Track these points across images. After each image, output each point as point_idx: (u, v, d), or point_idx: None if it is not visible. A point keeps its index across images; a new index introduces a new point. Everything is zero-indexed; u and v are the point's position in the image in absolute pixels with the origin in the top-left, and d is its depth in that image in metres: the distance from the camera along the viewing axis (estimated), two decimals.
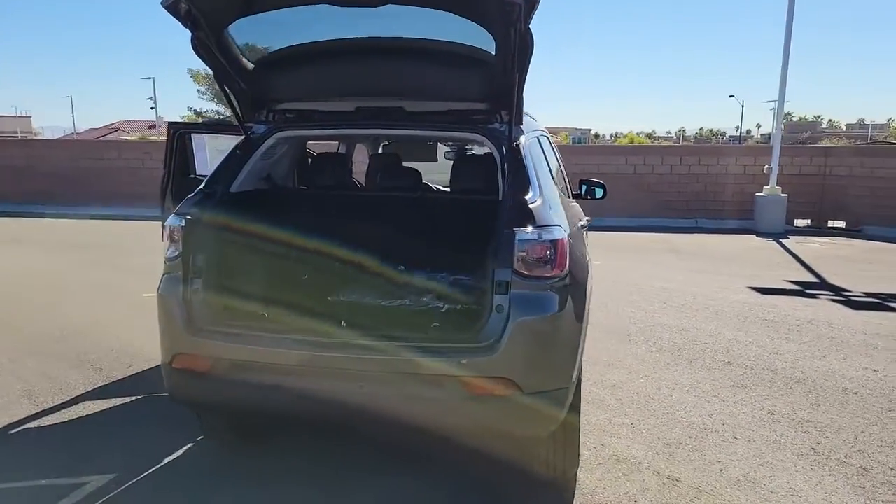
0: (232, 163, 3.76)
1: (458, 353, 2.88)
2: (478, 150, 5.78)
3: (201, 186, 3.59)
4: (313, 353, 3.02)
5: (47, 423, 4.31)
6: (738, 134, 76.83)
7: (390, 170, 4.91)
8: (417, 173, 4.57)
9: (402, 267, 4.33)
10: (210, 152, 6.04)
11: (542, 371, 2.95)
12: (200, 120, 35.65)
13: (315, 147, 5.64)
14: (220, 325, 3.20)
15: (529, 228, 2.98)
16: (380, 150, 6.57)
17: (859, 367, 5.59)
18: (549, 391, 2.93)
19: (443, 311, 3.94)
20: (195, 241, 3.31)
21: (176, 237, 3.33)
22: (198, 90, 38.04)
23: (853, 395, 4.97)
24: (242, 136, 3.89)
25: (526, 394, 2.85)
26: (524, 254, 2.95)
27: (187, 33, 3.23)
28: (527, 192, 3.16)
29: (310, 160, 5.00)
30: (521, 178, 3.28)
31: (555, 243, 2.98)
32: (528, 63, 3.09)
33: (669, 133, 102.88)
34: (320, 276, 4.18)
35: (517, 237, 2.95)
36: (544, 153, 4.05)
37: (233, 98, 3.75)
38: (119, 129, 54.69)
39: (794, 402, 4.82)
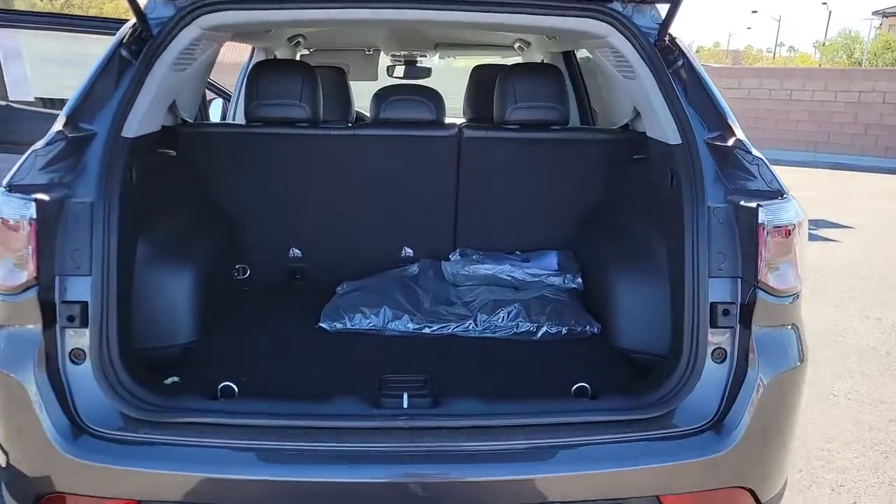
0: (112, 81, 1.95)
1: (631, 445, 1.71)
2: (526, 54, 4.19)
3: (56, 129, 1.83)
4: (364, 475, 1.65)
5: None
6: None
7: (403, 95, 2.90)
8: (438, 96, 2.83)
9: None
10: (33, 63, 3.74)
11: (780, 464, 1.90)
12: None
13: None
14: (140, 427, 1.68)
15: (777, 201, 1.79)
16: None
17: None
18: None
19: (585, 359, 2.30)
20: (66, 247, 1.71)
21: (18, 244, 1.60)
22: None
23: None
24: (129, 32, 1.98)
25: None
26: (773, 251, 1.75)
27: None
28: (732, 128, 1.95)
29: (266, 75, 2.89)
30: (705, 100, 2.01)
31: (795, 229, 1.82)
32: None
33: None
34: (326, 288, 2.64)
35: (765, 217, 1.75)
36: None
37: None
38: None
39: None
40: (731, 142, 1.91)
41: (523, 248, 2.96)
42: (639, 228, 2.39)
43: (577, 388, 1.86)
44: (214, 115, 4.34)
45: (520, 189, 2.81)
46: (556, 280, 2.56)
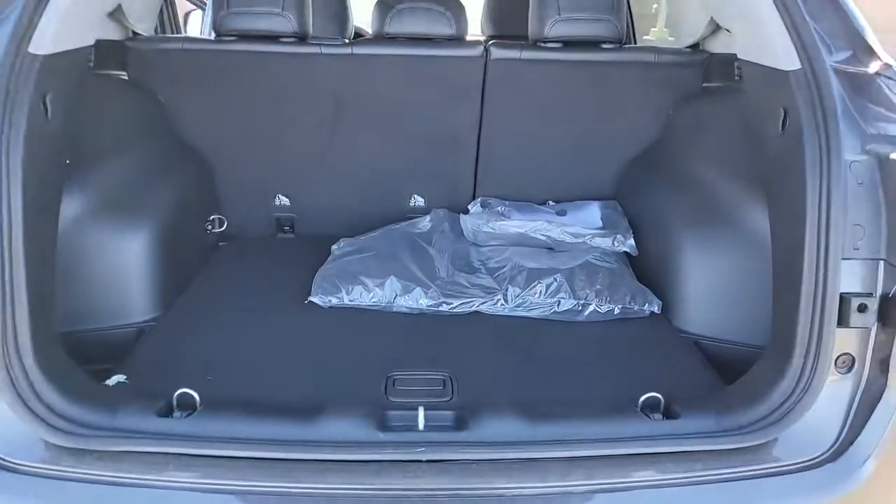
0: None
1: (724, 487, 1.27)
2: None
3: None
4: None
5: None
6: None
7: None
8: (458, 3, 2.25)
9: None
10: None
11: None
12: None
13: None
14: (61, 458, 1.24)
15: None
16: None
17: None
18: None
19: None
20: None
21: None
22: None
23: None
24: None
25: None
26: None
27: None
28: (873, 48, 1.48)
29: None
30: (831, 6, 1.51)
31: None
32: None
33: None
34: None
35: None
36: None
37: None
38: None
39: None
40: (872, 67, 1.38)
41: (557, 197, 2.46)
42: (719, 181, 1.89)
43: (646, 399, 1.40)
44: (194, 31, 3.69)
45: (558, 124, 2.28)
46: (604, 241, 2.05)
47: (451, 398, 1.48)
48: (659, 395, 1.40)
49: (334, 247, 2.16)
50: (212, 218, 2.32)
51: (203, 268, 2.15)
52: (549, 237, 2.11)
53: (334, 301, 1.85)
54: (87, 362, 1.58)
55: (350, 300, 1.85)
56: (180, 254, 2.00)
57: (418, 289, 1.86)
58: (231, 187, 2.35)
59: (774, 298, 1.47)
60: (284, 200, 2.41)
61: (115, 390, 1.46)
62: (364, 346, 1.72)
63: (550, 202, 2.46)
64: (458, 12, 2.15)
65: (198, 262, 2.16)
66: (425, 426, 1.31)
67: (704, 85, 2.17)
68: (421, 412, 1.32)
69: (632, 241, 2.07)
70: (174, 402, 1.34)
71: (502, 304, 1.84)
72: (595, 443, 1.28)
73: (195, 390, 1.35)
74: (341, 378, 1.56)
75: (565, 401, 1.48)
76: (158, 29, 3.08)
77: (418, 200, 2.44)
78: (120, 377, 1.50)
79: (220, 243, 2.38)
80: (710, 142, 2.00)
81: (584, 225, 2.20)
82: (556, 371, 1.64)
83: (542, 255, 2.08)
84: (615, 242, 2.06)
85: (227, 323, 1.80)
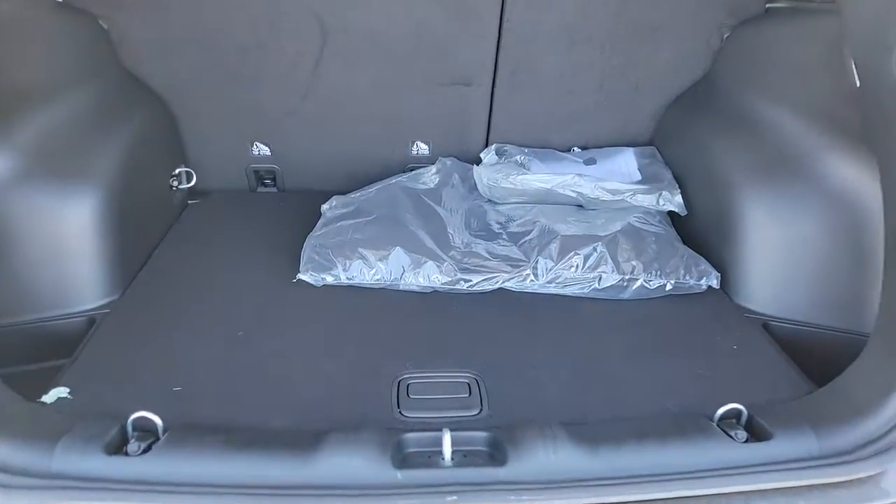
0: None
1: None
2: None
3: None
4: None
5: None
6: None
7: None
8: None
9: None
10: None
11: None
12: None
13: None
14: None
15: None
16: None
17: None
18: None
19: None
20: None
21: None
22: None
23: None
24: None
25: None
26: None
27: None
28: None
29: None
30: None
31: None
32: None
33: None
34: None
35: None
36: None
37: None
38: None
39: None
40: None
41: (585, 143, 2.11)
42: (791, 124, 1.55)
43: (726, 411, 1.12)
44: None
45: (586, 53, 1.90)
46: (647, 199, 1.72)
47: (481, 410, 1.19)
48: (741, 407, 1.12)
49: (325, 206, 1.82)
50: (177, 172, 1.95)
51: (168, 234, 1.81)
52: (580, 193, 1.78)
53: (329, 279, 1.52)
54: (23, 362, 1.27)
55: (348, 278, 1.52)
56: (138, 220, 1.65)
57: (430, 262, 1.53)
58: (198, 135, 1.97)
59: (886, 278, 1.17)
60: (264, 149, 2.03)
61: (53, 411, 1.15)
62: (367, 338, 1.40)
63: (576, 148, 2.12)
64: None
65: (161, 227, 1.81)
66: (453, 457, 1.02)
67: (767, 6, 1.80)
68: (447, 437, 1.02)
69: (679, 198, 1.74)
70: (129, 429, 1.04)
71: (532, 281, 1.53)
72: (675, 481, 1.00)
73: (156, 410, 1.04)
74: (341, 385, 1.26)
75: (623, 413, 1.20)
76: None
77: (421, 147, 2.08)
78: (61, 391, 1.18)
79: (189, 201, 2.02)
80: (780, 74, 1.65)
81: (619, 177, 1.86)
82: (603, 368, 1.34)
83: (573, 214, 1.76)
84: (660, 200, 1.73)
85: (197, 310, 1.47)
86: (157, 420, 1.03)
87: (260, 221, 1.90)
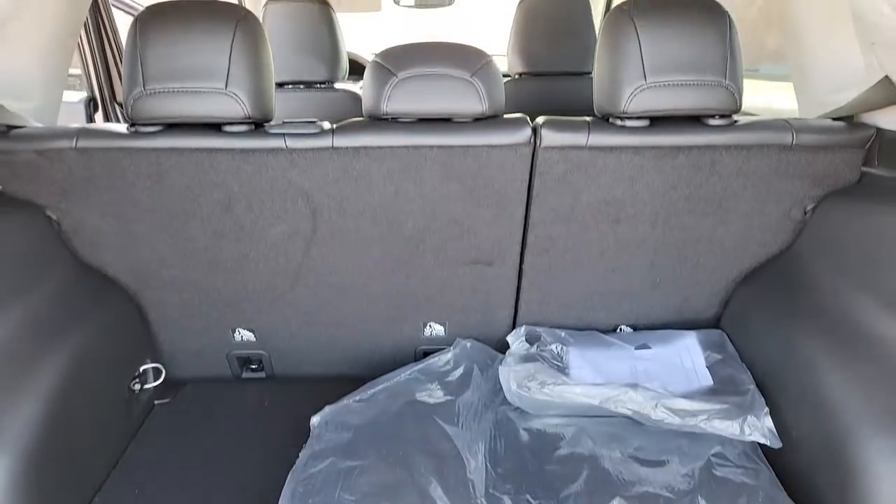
0: None
1: None
2: None
3: None
4: None
5: None
6: None
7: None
8: (489, 67, 1.51)
9: None
10: None
11: None
12: None
13: None
14: None
15: None
16: None
17: None
18: None
19: None
20: None
21: None
22: None
23: None
24: None
25: None
26: None
27: None
28: None
29: (161, 31, 1.41)
30: None
31: None
32: None
33: None
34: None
35: None
36: None
37: None
38: None
39: None
40: None
41: (634, 323, 1.74)
42: None
43: None
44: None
45: (637, 228, 1.56)
46: (727, 425, 1.32)
47: None
48: None
49: (314, 421, 1.46)
50: (142, 370, 1.62)
51: (124, 454, 1.46)
52: (635, 412, 1.40)
53: None
54: None
55: None
56: (77, 456, 1.31)
57: None
58: (168, 325, 1.65)
59: None
60: (247, 335, 1.71)
61: None
62: None
63: (624, 327, 1.75)
64: (490, 78, 1.40)
65: (115, 446, 1.46)
66: None
67: (863, 169, 1.45)
68: None
69: (770, 424, 1.33)
70: None
71: None
72: None
73: None
74: None
75: None
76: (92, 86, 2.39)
77: (436, 329, 1.73)
78: None
79: (156, 402, 1.69)
80: (883, 267, 1.27)
81: (682, 379, 1.47)
82: None
83: (630, 439, 1.36)
84: (745, 427, 1.32)
85: None
86: None
87: (240, 426, 1.57)
